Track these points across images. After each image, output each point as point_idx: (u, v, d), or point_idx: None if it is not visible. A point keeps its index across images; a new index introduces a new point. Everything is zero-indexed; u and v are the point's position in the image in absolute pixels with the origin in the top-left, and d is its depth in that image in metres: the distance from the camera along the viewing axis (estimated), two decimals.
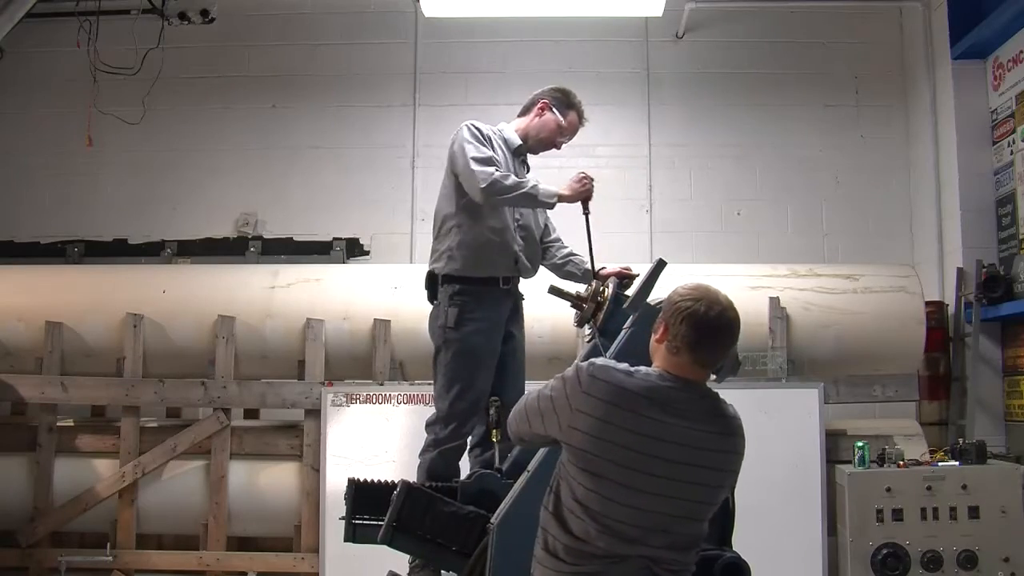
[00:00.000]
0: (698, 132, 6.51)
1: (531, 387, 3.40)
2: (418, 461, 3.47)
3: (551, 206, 3.44)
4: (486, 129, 3.52)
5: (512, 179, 3.36)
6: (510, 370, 3.55)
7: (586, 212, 3.41)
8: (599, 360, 2.31)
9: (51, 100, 6.59)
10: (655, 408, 2.20)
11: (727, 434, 2.28)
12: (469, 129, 3.46)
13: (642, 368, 2.30)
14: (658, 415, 2.19)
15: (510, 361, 3.56)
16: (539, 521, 2.35)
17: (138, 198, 6.53)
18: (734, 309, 2.29)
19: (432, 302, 3.54)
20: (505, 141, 3.57)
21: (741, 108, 6.49)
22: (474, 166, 3.34)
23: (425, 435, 3.50)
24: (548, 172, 3.73)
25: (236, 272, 5.67)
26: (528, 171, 3.71)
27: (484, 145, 3.44)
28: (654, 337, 2.34)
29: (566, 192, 3.39)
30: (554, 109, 3.61)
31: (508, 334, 3.56)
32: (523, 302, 3.66)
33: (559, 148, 3.71)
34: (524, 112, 3.70)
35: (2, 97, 6.62)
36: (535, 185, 3.36)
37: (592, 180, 3.41)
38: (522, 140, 3.64)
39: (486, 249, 3.47)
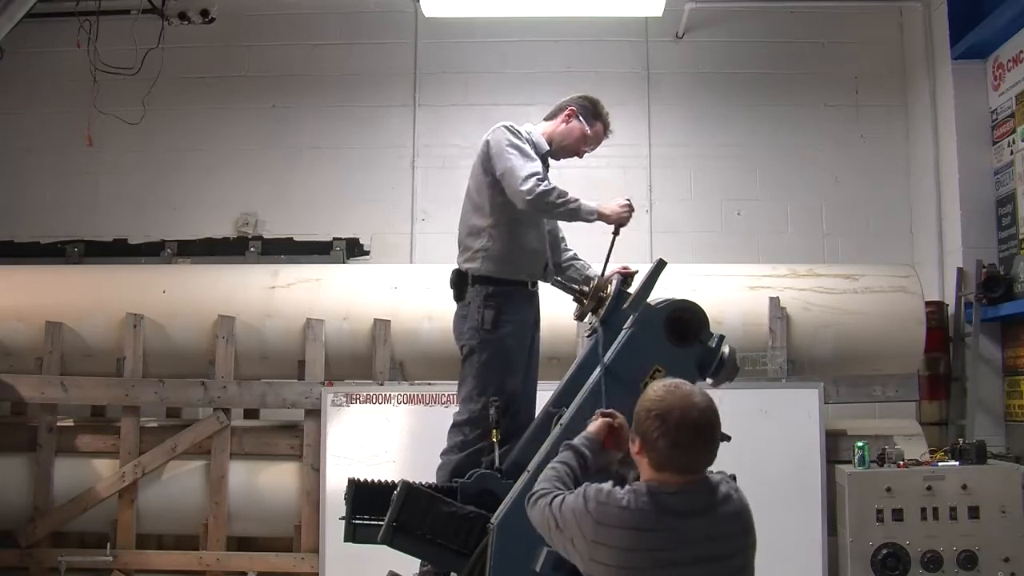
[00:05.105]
0: (698, 132, 6.51)
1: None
2: (440, 461, 3.43)
3: (589, 222, 3.38)
4: (523, 132, 3.47)
5: (556, 193, 3.30)
6: (529, 371, 3.53)
7: (615, 233, 3.38)
8: (590, 488, 2.23)
9: (51, 100, 6.59)
10: (668, 517, 2.14)
11: (736, 514, 2.22)
12: (512, 131, 3.41)
13: (632, 486, 2.21)
14: (672, 523, 2.14)
15: (530, 363, 3.55)
16: None
17: (138, 198, 6.53)
18: (706, 401, 2.18)
19: (459, 301, 3.48)
20: (534, 145, 3.49)
21: (741, 108, 6.49)
22: (522, 174, 3.29)
23: (448, 435, 3.45)
24: (549, 173, 3.72)
25: (236, 272, 5.67)
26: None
27: (530, 151, 3.38)
28: (632, 449, 2.24)
29: (607, 212, 3.33)
30: (580, 117, 3.56)
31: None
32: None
33: (581, 157, 3.67)
34: (551, 116, 3.65)
35: (2, 97, 6.62)
36: (578, 202, 3.31)
37: (632, 210, 3.37)
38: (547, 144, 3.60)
39: (524, 254, 3.45)
